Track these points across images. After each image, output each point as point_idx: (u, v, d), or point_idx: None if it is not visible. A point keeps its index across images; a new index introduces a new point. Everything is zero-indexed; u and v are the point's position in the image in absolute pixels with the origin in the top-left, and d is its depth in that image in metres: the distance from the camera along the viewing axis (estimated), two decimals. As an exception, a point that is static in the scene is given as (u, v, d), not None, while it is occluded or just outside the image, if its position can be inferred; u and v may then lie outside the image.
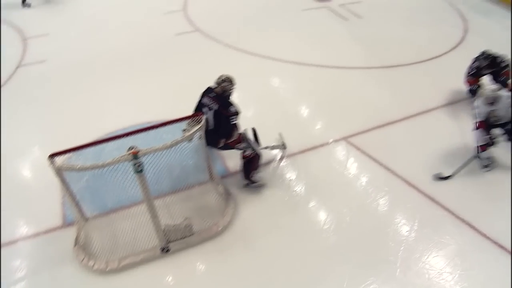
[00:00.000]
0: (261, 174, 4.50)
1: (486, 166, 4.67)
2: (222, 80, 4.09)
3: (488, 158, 4.68)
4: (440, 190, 4.38)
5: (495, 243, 3.84)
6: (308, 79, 6.47)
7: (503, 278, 3.54)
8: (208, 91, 4.16)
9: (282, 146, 4.87)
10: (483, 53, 5.43)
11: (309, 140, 5.07)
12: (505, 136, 4.57)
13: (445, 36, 7.94)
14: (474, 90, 5.59)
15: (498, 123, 4.51)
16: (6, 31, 8.11)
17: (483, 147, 4.57)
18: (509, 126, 4.48)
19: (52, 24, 8.47)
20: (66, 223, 4.09)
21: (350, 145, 5.04)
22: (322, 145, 5.03)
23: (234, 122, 4.05)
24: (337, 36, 7.96)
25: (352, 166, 4.79)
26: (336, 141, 5.10)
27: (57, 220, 4.14)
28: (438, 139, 5.10)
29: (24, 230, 4.08)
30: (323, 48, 7.43)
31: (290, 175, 4.63)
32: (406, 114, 5.56)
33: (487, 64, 5.41)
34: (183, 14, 8.68)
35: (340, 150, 4.98)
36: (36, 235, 4.01)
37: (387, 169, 4.68)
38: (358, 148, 4.97)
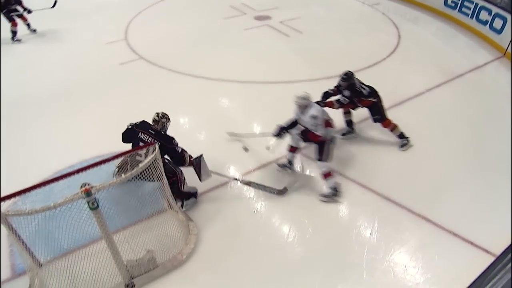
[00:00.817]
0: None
1: (280, 166, 4.95)
2: (160, 117, 4.18)
3: (284, 165, 4.94)
4: (394, 190, 4.55)
5: (450, 232, 4.05)
6: (256, 97, 6.57)
7: (461, 263, 3.73)
8: (143, 127, 4.19)
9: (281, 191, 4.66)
10: (346, 74, 5.10)
11: (264, 157, 5.11)
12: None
13: (382, 43, 8.43)
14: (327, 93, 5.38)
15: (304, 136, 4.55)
16: None
17: (291, 148, 4.84)
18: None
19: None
20: (17, 273, 3.82)
21: (304, 157, 5.14)
22: (277, 159, 5.09)
23: (180, 150, 4.14)
24: (281, 52, 8.18)
25: (308, 176, 4.88)
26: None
27: (5, 272, 3.84)
28: (386, 142, 5.35)
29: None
30: (269, 65, 7.60)
31: (248, 194, 4.63)
32: (356, 119, 5.76)
33: (346, 86, 5.10)
34: (125, 43, 8.56)
35: (296, 163, 5.05)
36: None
37: (342, 175, 4.81)
38: (311, 158, 5.08)
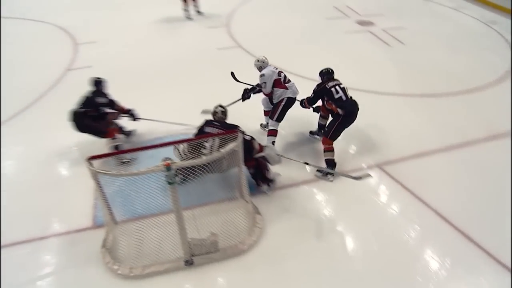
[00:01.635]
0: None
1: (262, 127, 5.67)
2: (221, 106, 4.53)
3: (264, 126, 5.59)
4: (478, 228, 4.16)
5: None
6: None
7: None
8: (208, 123, 4.39)
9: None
10: (324, 69, 5.12)
11: (340, 164, 4.99)
12: None
13: (490, 67, 7.70)
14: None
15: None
16: (60, 36, 8.76)
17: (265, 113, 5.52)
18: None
19: (101, 32, 8.96)
20: (96, 225, 4.21)
21: (383, 173, 4.93)
22: (354, 170, 4.94)
23: (249, 138, 4.31)
24: (377, 60, 7.88)
25: (384, 194, 4.67)
26: (369, 167, 5.01)
27: (87, 221, 4.26)
28: (475, 173, 4.92)
29: (56, 227, 4.24)
30: (361, 72, 7.36)
31: (321, 197, 4.57)
32: (443, 145, 5.40)
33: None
34: (226, 30, 8.85)
35: (373, 177, 4.87)
36: (67, 233, 4.15)
37: (421, 201, 4.52)
38: (391, 177, 4.86)
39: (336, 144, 4.91)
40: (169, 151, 3.92)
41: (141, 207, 4.17)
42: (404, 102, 6.47)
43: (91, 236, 4.07)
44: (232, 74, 5.61)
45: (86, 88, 5.04)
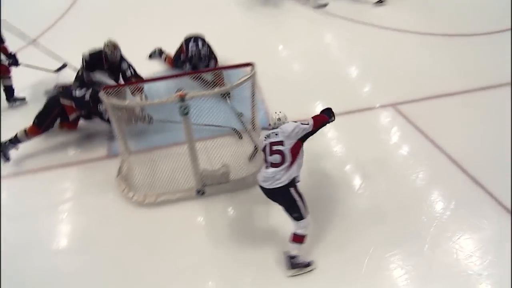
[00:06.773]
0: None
1: None
2: None
3: None
4: (487, 174, 4.12)
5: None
6: (359, 39, 6.18)
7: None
8: None
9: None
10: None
11: (355, 102, 4.93)
12: None
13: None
14: None
15: None
16: None
17: None
18: None
19: None
20: (111, 154, 4.35)
21: (397, 113, 4.85)
22: (368, 109, 4.89)
23: None
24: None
25: (396, 134, 4.65)
26: (383, 106, 4.93)
27: (102, 151, 4.41)
28: (494, 119, 4.80)
29: (73, 156, 4.42)
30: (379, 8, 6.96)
31: (332, 134, 4.55)
32: (463, 88, 5.21)
33: None
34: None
35: (386, 117, 4.83)
36: (84, 161, 4.33)
37: (433, 143, 4.47)
38: (405, 117, 4.78)
39: (352, 80, 4.76)
40: (183, 83, 3.84)
41: (155, 138, 4.27)
42: (425, 41, 6.15)
43: (106, 165, 4.23)
44: None
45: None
